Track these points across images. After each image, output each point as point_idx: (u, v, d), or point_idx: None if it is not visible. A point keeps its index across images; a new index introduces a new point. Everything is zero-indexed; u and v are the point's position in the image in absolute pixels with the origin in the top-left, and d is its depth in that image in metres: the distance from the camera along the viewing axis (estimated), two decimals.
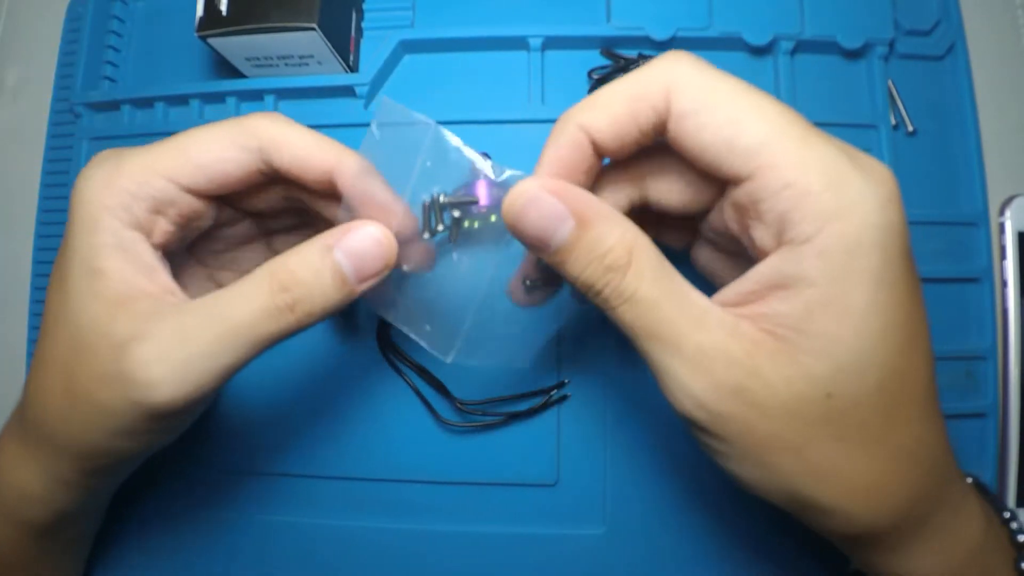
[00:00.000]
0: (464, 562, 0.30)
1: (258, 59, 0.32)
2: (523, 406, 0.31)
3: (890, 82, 0.33)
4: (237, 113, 0.34)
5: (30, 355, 0.35)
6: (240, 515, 0.32)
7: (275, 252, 0.26)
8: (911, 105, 0.33)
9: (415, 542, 0.30)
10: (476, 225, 0.24)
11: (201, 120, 0.34)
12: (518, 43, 0.33)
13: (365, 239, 0.20)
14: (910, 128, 0.32)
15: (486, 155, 0.25)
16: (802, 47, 0.33)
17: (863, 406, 0.18)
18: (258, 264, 0.24)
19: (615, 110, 0.19)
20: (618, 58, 0.33)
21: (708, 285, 0.22)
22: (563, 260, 0.19)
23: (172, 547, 0.32)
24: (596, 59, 0.33)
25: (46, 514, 0.23)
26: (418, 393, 0.31)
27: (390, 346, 0.31)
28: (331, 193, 0.22)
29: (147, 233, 0.21)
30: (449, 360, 0.22)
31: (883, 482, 0.18)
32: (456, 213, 0.22)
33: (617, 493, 0.30)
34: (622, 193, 0.23)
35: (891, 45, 0.33)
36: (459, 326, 0.22)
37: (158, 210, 0.21)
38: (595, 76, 0.33)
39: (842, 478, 0.18)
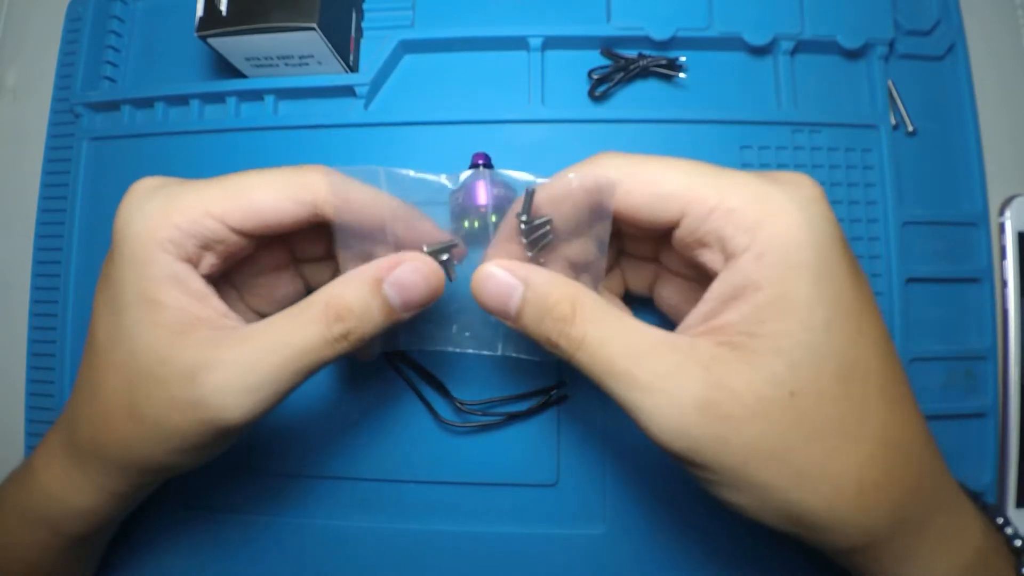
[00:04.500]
0: (464, 562, 0.30)
1: (258, 59, 0.32)
2: (523, 406, 0.31)
3: (890, 82, 0.33)
4: (237, 113, 0.34)
5: (31, 354, 0.35)
6: (239, 515, 0.32)
7: (305, 279, 0.27)
8: (911, 105, 0.33)
9: (415, 542, 0.30)
10: (476, 225, 0.25)
11: (201, 120, 0.34)
12: (518, 43, 0.33)
13: (412, 273, 0.22)
14: (910, 128, 0.32)
15: (486, 161, 0.26)
16: (802, 47, 0.33)
17: (827, 399, 0.18)
18: (287, 289, 0.26)
19: (557, 193, 0.22)
20: (618, 58, 0.33)
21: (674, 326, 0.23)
22: (522, 321, 0.21)
23: (169, 546, 0.32)
24: (596, 59, 0.33)
25: (88, 525, 0.24)
26: (418, 393, 0.31)
27: None
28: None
29: (195, 264, 0.22)
30: (499, 352, 0.25)
31: (868, 477, 0.18)
32: (444, 257, 0.23)
33: (617, 493, 0.30)
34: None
35: (891, 45, 0.33)
36: (492, 320, 0.24)
37: (207, 247, 0.22)
38: (595, 76, 0.33)
39: (828, 479, 0.18)
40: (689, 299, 0.25)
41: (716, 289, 0.20)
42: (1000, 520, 0.22)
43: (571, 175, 0.21)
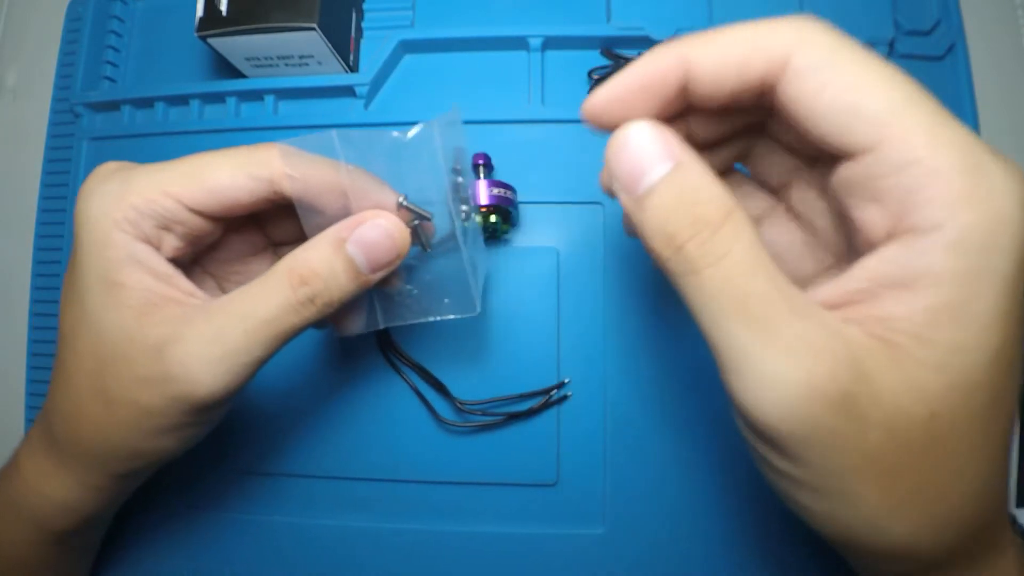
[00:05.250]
0: (464, 562, 0.30)
1: (258, 59, 0.32)
2: (523, 406, 0.31)
3: None
4: (237, 113, 0.34)
5: (31, 354, 0.35)
6: (239, 515, 0.32)
7: None
8: None
9: (415, 542, 0.30)
10: (477, 224, 0.25)
11: (201, 120, 0.34)
12: (518, 43, 0.33)
13: (375, 230, 0.21)
14: None
15: (486, 161, 0.26)
16: None
17: (961, 430, 0.15)
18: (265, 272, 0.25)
19: (729, 49, 0.17)
20: (618, 58, 0.33)
21: None
22: (648, 203, 0.17)
23: (169, 546, 0.32)
24: (596, 59, 0.33)
25: (74, 521, 0.24)
26: (418, 393, 0.31)
27: (390, 346, 0.31)
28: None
29: (156, 246, 0.22)
30: (479, 310, 0.24)
31: (961, 514, 0.16)
32: (415, 222, 0.23)
33: (617, 493, 0.30)
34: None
35: (891, 45, 0.32)
36: (468, 280, 0.23)
37: (166, 227, 0.22)
38: (595, 76, 0.33)
39: (924, 511, 0.16)
40: (794, 251, 0.21)
41: (875, 267, 0.16)
42: None
43: (395, 133, 0.21)
